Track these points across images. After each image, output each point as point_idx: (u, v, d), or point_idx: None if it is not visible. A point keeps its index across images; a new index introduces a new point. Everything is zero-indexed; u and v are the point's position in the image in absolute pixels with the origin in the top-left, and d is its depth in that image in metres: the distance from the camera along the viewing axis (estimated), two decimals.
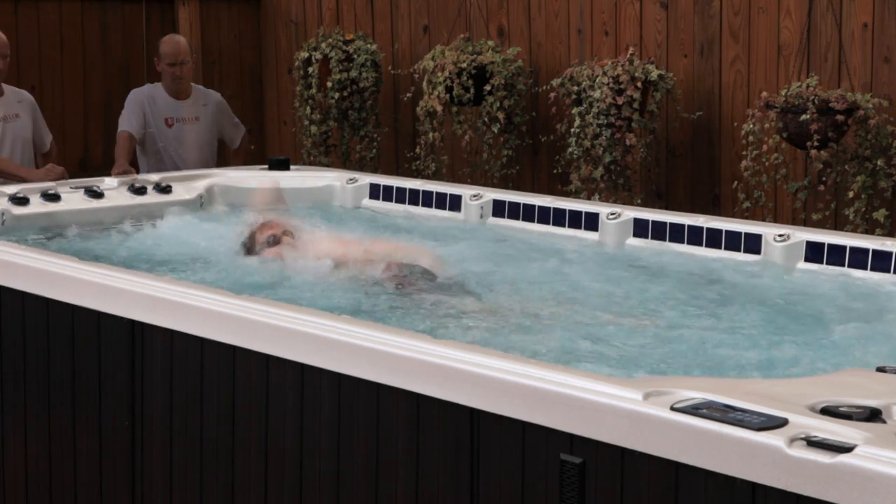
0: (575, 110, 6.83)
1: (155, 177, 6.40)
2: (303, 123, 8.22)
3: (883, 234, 5.84)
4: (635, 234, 5.42)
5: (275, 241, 5.14)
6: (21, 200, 5.79)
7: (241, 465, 3.74)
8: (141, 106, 7.56)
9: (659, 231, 5.34)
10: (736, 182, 6.59)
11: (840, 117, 6.03)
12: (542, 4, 7.60)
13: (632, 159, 6.85)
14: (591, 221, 5.54)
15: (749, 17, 6.80)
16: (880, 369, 3.28)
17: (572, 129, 6.82)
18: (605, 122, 6.67)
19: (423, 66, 7.45)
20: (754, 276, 4.89)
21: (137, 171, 7.25)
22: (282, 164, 6.80)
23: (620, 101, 6.62)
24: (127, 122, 7.54)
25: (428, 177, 7.34)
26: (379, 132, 8.18)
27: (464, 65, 7.25)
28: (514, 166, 7.45)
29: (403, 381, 3.27)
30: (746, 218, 6.25)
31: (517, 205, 5.84)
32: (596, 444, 2.88)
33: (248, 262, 5.09)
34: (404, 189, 6.32)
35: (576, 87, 6.84)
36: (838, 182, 6.23)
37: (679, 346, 3.94)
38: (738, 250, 5.10)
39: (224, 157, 8.11)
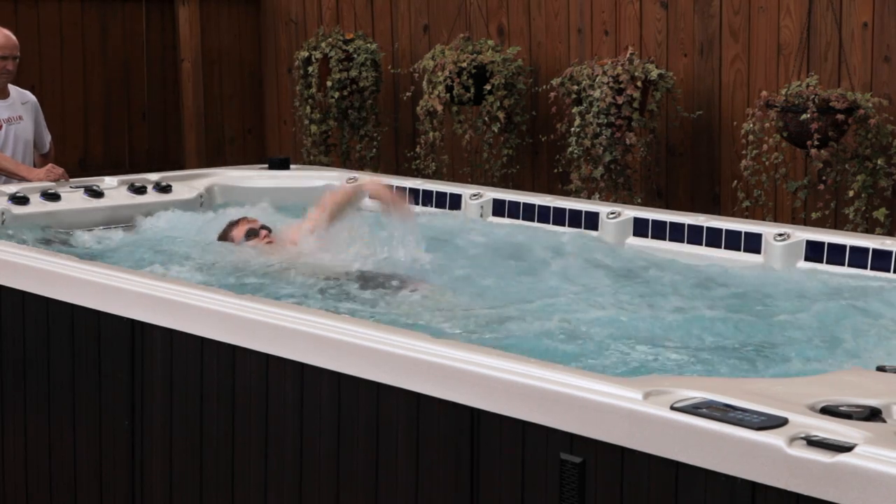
0: (575, 110, 6.83)
1: (155, 176, 6.40)
2: (303, 123, 8.22)
3: (883, 234, 5.84)
4: (635, 234, 5.42)
5: (254, 235, 5.28)
6: (21, 200, 5.80)
7: (241, 464, 3.74)
8: None
9: (659, 230, 5.34)
10: (736, 181, 6.59)
11: (840, 116, 6.03)
12: (542, 4, 7.60)
13: (632, 158, 6.85)
14: (591, 221, 5.54)
15: (749, 17, 6.80)
16: (880, 369, 3.28)
17: (572, 129, 6.82)
18: (605, 121, 6.67)
19: (423, 65, 7.45)
20: (754, 275, 4.89)
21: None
22: (282, 164, 6.80)
23: (620, 100, 6.62)
24: None
25: (428, 176, 7.34)
26: (379, 131, 8.18)
27: (464, 64, 7.25)
28: (514, 166, 7.45)
29: (403, 380, 3.27)
30: (746, 217, 6.25)
31: (517, 204, 5.83)
32: (596, 444, 2.88)
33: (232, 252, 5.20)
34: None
35: (576, 87, 6.84)
36: (838, 181, 6.23)
37: (677, 347, 3.94)
38: (738, 250, 5.10)
39: (227, 156, 8.11)
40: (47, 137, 7.26)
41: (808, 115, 6.03)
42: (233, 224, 5.44)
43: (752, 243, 5.07)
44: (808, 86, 6.20)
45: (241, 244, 5.29)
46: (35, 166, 7.09)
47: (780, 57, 6.70)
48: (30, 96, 7.19)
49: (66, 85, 8.51)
